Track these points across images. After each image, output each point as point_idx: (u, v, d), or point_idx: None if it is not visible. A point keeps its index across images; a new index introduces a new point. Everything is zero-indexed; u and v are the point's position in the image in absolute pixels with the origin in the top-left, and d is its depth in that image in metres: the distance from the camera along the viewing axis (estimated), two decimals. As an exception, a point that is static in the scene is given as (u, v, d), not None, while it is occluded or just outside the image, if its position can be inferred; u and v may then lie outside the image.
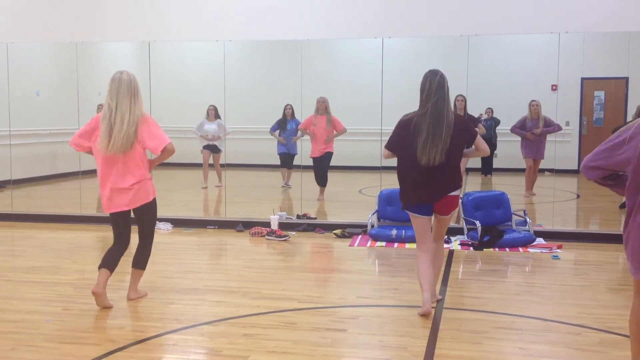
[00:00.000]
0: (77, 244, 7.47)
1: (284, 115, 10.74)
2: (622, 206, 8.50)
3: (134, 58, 12.39)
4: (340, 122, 9.77)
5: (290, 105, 10.67)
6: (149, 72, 8.62)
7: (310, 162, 10.00)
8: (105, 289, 4.79)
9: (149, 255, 5.04)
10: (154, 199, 4.91)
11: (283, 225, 7.80)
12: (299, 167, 10.60)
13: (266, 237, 7.51)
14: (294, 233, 7.74)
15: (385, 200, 7.77)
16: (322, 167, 9.84)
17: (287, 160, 10.84)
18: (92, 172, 10.84)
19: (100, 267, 4.82)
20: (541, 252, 6.78)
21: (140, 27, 8.88)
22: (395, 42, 9.27)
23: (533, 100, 9.53)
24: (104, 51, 11.99)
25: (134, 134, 4.68)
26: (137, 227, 4.97)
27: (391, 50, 8.93)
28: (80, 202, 9.37)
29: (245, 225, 7.95)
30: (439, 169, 4.53)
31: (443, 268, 5.96)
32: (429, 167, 4.52)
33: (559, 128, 9.48)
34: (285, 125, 10.70)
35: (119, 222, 4.92)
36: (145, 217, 4.92)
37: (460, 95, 8.52)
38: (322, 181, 9.81)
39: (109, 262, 4.84)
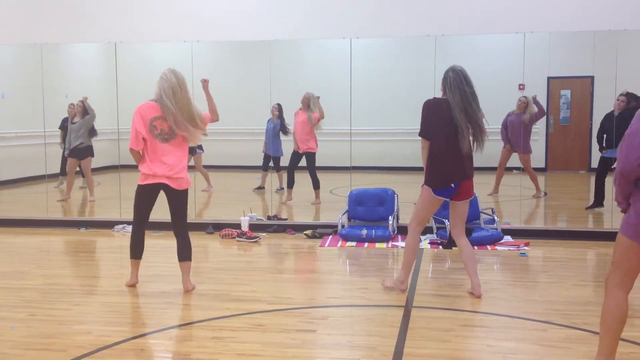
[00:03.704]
0: (42, 248, 7.35)
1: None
2: (591, 207, 8.60)
3: (101, 59, 12.27)
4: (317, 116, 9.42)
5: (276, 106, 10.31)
6: (115, 73, 8.52)
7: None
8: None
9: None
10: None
11: (254, 227, 7.78)
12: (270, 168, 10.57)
13: (237, 238, 7.48)
14: (264, 234, 7.73)
15: (355, 200, 7.79)
16: (309, 169, 9.45)
17: (267, 162, 10.61)
18: (58, 176, 10.76)
19: None
20: (509, 249, 6.86)
21: (106, 28, 8.77)
22: (364, 42, 9.30)
23: (522, 97, 9.65)
24: (70, 52, 11.84)
25: None
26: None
27: (359, 51, 8.96)
28: (47, 206, 9.23)
29: (216, 227, 7.89)
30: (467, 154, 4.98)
31: (413, 267, 6.00)
32: (460, 153, 4.93)
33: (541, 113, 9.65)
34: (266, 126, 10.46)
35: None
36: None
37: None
38: (315, 184, 9.43)
39: None
